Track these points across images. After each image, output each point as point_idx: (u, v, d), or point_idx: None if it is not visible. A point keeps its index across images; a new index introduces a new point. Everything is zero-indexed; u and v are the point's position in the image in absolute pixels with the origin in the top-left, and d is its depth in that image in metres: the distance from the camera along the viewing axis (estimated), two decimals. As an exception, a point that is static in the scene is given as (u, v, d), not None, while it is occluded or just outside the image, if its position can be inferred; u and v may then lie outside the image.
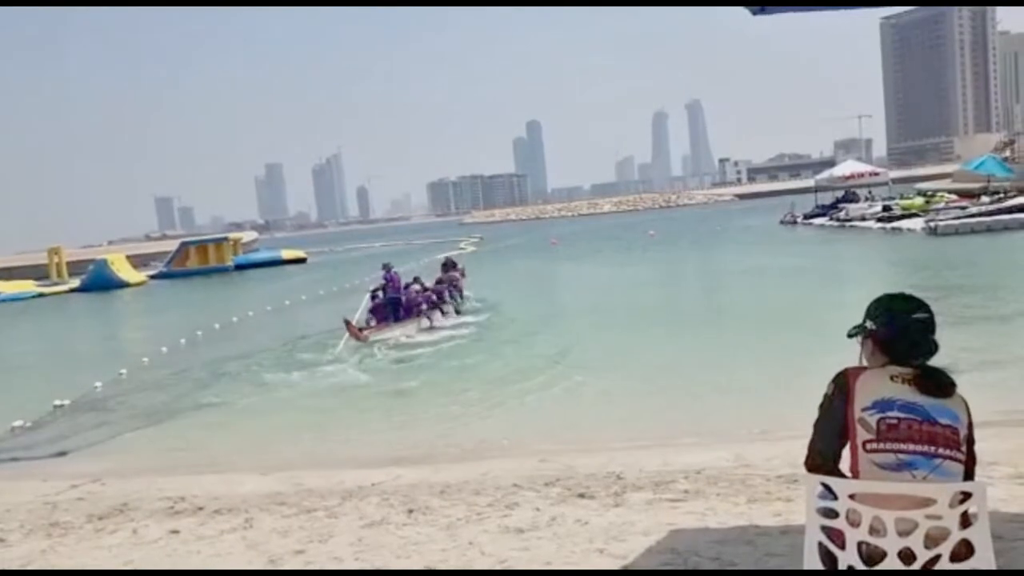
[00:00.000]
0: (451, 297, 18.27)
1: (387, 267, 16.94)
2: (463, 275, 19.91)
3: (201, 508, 5.70)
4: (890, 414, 2.25)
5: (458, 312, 17.92)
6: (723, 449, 6.46)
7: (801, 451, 6.21)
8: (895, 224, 31.43)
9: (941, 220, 28.12)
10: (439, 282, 18.67)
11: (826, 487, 2.32)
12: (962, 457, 2.26)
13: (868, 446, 2.26)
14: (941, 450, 2.23)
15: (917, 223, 29.80)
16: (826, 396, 2.44)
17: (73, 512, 5.89)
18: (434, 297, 17.34)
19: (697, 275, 24.27)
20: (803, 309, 14.96)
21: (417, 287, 17.26)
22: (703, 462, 5.90)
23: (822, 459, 2.42)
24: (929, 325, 2.40)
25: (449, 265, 20.25)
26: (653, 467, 5.88)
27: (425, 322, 16.41)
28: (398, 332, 15.61)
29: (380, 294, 16.61)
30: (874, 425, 2.26)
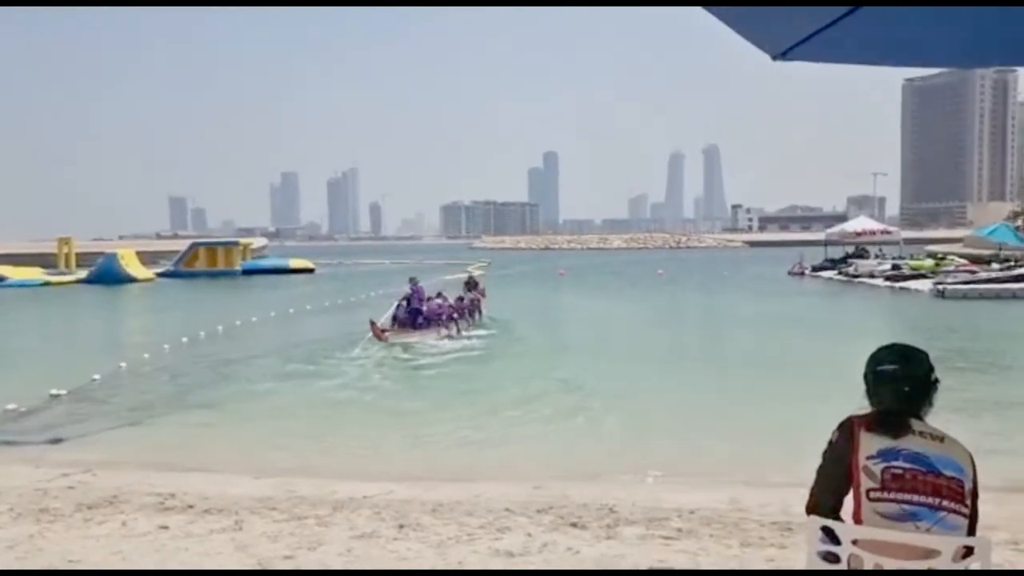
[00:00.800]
0: (469, 313, 19.68)
1: (414, 281, 18.59)
2: (483, 294, 21.42)
3: (191, 506, 5.69)
4: (895, 464, 2.24)
5: (474, 327, 19.18)
6: (718, 491, 6.43)
7: (797, 499, 6.19)
8: (903, 284, 31.38)
9: (950, 283, 28.07)
10: (460, 299, 19.93)
11: (827, 531, 2.31)
12: (966, 511, 2.25)
13: (872, 495, 2.25)
14: (945, 503, 2.22)
15: (925, 284, 29.75)
16: (830, 443, 2.43)
17: (63, 500, 5.88)
18: (454, 313, 18.67)
19: (701, 318, 24.25)
20: (805, 359, 14.92)
21: (439, 301, 18.64)
22: (697, 502, 5.86)
23: (823, 505, 2.40)
24: (900, 376, 2.39)
25: (471, 284, 21.93)
26: (647, 503, 5.85)
27: (443, 332, 17.80)
28: (416, 338, 17.01)
29: (405, 303, 17.93)
30: (879, 474, 2.25)
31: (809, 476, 7.29)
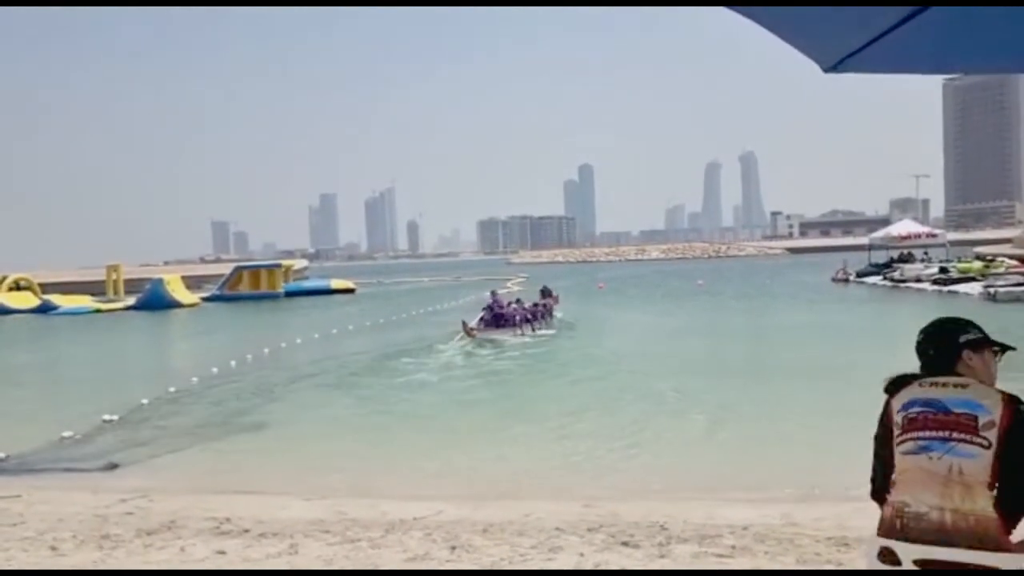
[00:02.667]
0: (542, 316, 23.07)
1: (494, 292, 24.54)
2: (556, 300, 25.81)
3: (247, 530, 5.77)
4: (911, 410, 2.51)
5: (547, 327, 22.62)
6: (769, 507, 6.35)
7: (851, 513, 6.13)
8: (951, 287, 30.69)
9: (1000, 286, 27.35)
10: (535, 304, 23.87)
11: (887, 552, 2.29)
12: (982, 441, 2.37)
13: (897, 440, 2.52)
14: (955, 434, 2.41)
15: (975, 288, 29.05)
16: (879, 419, 2.68)
17: (123, 526, 6.01)
18: (528, 315, 22.30)
19: (746, 328, 23.96)
20: (854, 368, 14.66)
21: (515, 306, 22.84)
22: (749, 518, 5.80)
23: (883, 488, 2.60)
24: (932, 337, 2.71)
25: (545, 292, 26.24)
26: (698, 520, 5.81)
27: (518, 331, 21.24)
28: (496, 336, 20.64)
29: (488, 309, 22.34)
30: (900, 422, 2.52)
31: (861, 490, 7.15)
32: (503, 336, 20.66)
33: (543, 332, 21.89)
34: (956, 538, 2.26)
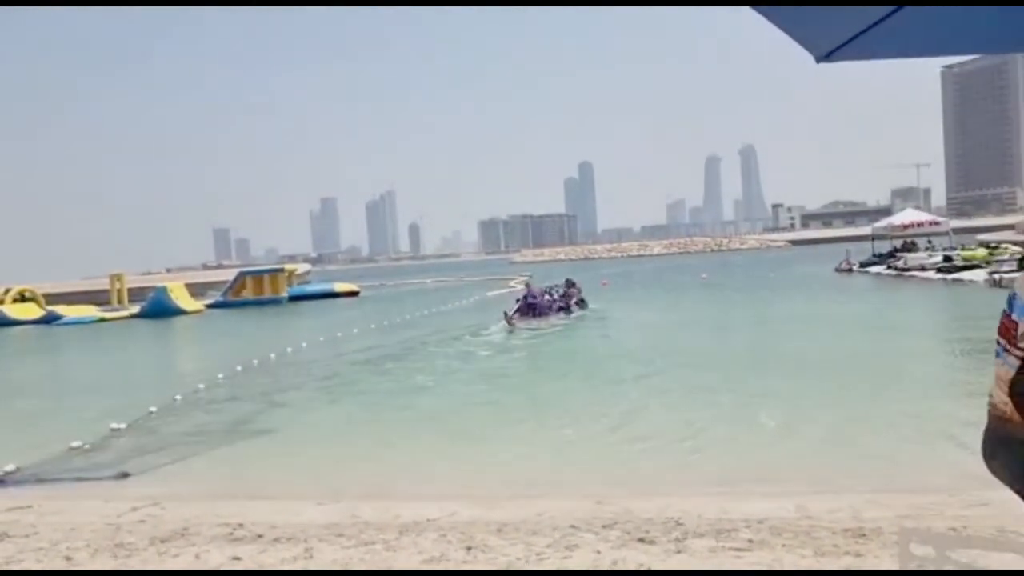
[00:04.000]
0: (570, 304, 26.20)
1: (528, 284, 27.70)
2: (580, 290, 28.28)
3: (260, 536, 5.76)
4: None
5: (576, 311, 25.92)
6: (783, 499, 6.32)
7: (864, 504, 6.08)
8: (956, 275, 30.63)
9: (1005, 272, 27.31)
10: (564, 295, 26.84)
11: (916, 539, 2.27)
12: (1016, 352, 2.39)
13: None
14: (1001, 340, 2.45)
15: (979, 274, 29.01)
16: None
17: (136, 534, 6.00)
18: (560, 304, 25.67)
19: (753, 320, 23.90)
20: (864, 358, 14.65)
21: (548, 297, 25.88)
22: (764, 511, 5.77)
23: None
24: None
25: (570, 283, 28.63)
26: (712, 514, 5.77)
27: (552, 319, 24.06)
28: (534, 324, 23.18)
29: (524, 299, 25.02)
30: None
31: (872, 480, 7.10)
32: (538, 323, 23.29)
33: (576, 315, 25.33)
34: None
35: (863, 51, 2.67)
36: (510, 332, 22.08)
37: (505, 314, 23.61)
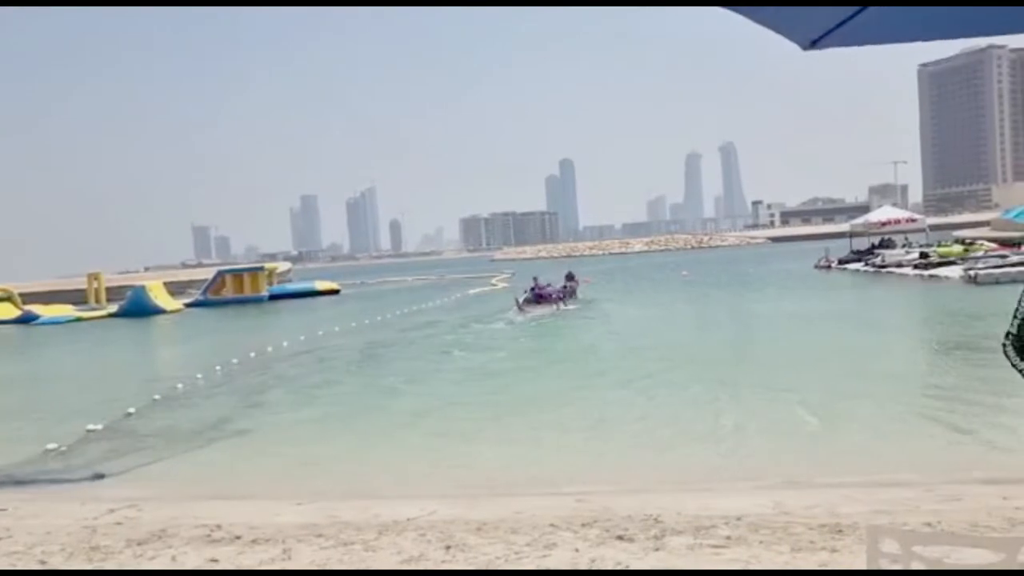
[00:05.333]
0: (570, 295, 29.45)
1: (536, 279, 29.78)
2: (578, 282, 31.72)
3: (239, 537, 5.72)
4: None
5: (573, 303, 28.90)
6: (761, 495, 6.37)
7: (841, 500, 6.14)
8: (932, 271, 30.97)
9: (980, 268, 27.64)
10: (564, 286, 29.89)
11: (889, 538, 2.29)
12: None
13: None
14: None
15: (955, 271, 29.34)
16: None
17: (112, 537, 5.94)
18: (561, 294, 28.72)
19: (734, 318, 24.04)
20: (844, 355, 14.78)
21: (551, 288, 28.89)
22: (742, 508, 5.81)
23: None
24: None
25: (570, 276, 31.89)
26: (691, 511, 5.81)
27: (555, 307, 27.17)
28: (539, 312, 26.28)
29: (531, 290, 28.32)
30: None
31: (849, 475, 7.16)
32: (542, 311, 26.44)
33: (571, 306, 28.07)
34: None
35: (850, 37, 2.69)
36: (520, 314, 25.79)
37: (516, 301, 27.50)
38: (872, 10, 2.49)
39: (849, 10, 2.51)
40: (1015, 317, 2.54)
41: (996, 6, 2.57)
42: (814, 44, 2.72)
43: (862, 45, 2.82)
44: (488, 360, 16.98)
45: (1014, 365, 2.50)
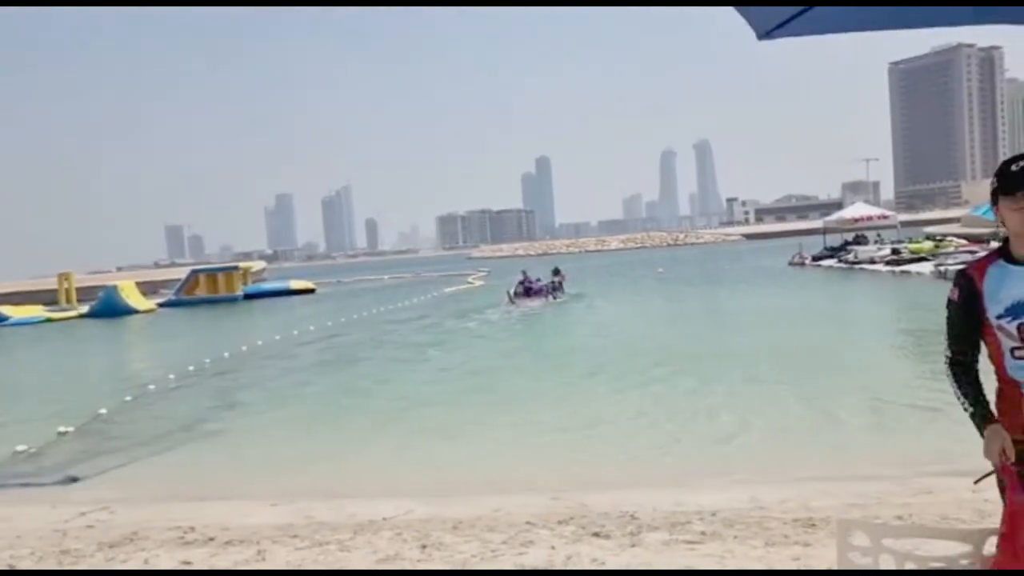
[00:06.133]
0: (556, 289, 31.05)
1: (524, 272, 31.79)
2: (564, 277, 32.89)
3: (212, 539, 5.67)
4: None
5: (559, 295, 30.67)
6: (736, 490, 6.42)
7: (815, 494, 6.20)
8: (904, 267, 31.39)
9: (951, 264, 28.04)
10: (552, 281, 31.45)
11: (859, 531, 2.31)
12: None
13: (1017, 353, 2.29)
14: None
15: (926, 267, 29.77)
16: (949, 301, 2.46)
17: (83, 540, 5.86)
18: (548, 289, 30.42)
19: (709, 314, 24.21)
20: (817, 350, 14.91)
21: (541, 282, 30.79)
22: (717, 503, 5.85)
23: (957, 361, 2.45)
24: None
25: (557, 272, 33.26)
26: (667, 507, 5.84)
27: (543, 300, 29.14)
28: (528, 304, 28.23)
29: (521, 284, 30.18)
30: (1015, 331, 2.28)
31: (822, 469, 7.22)
32: (531, 303, 28.48)
33: (560, 299, 29.89)
34: None
35: (804, 28, 2.72)
36: (511, 308, 27.71)
37: (508, 294, 29.75)
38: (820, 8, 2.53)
39: (798, 8, 2.54)
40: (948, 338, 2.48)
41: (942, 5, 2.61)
42: (769, 34, 2.74)
43: (817, 35, 2.85)
44: (465, 358, 16.96)
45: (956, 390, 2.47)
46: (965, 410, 2.41)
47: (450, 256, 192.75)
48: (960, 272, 2.43)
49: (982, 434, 2.34)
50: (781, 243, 71.52)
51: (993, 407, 2.35)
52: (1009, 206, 2.24)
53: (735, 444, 8.72)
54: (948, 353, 2.47)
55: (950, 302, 2.44)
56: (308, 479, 8.40)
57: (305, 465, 9.09)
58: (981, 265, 2.37)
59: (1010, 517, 2.20)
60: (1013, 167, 2.24)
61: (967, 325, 2.38)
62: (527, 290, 29.94)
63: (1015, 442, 2.27)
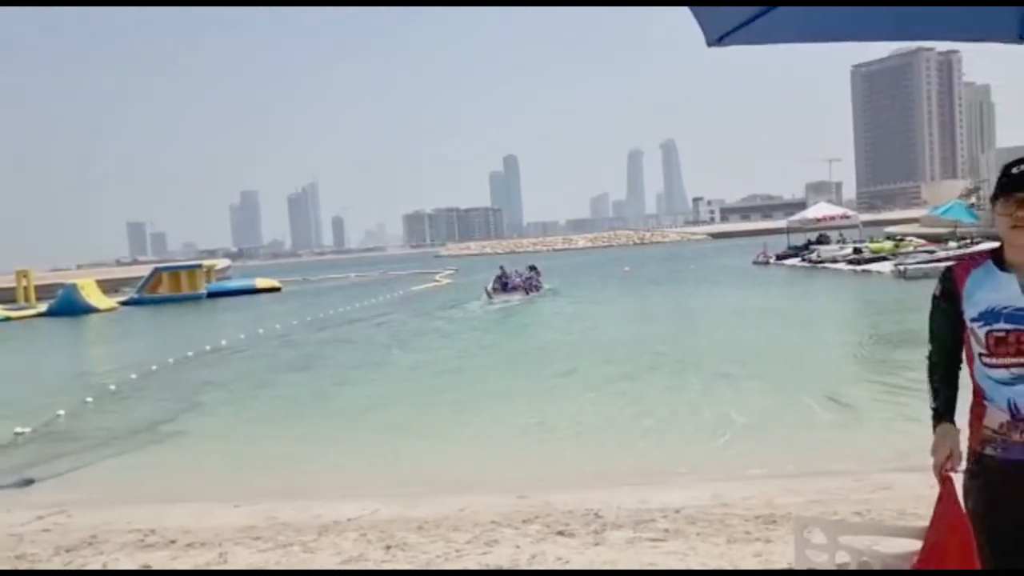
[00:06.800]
0: (533, 284, 32.49)
1: (502, 268, 32.92)
2: (539, 273, 34.44)
3: (173, 541, 5.59)
4: (996, 326, 2.21)
5: (537, 293, 31.89)
6: (700, 488, 6.47)
7: (777, 491, 6.27)
8: (865, 266, 31.94)
9: (910, 264, 28.63)
10: (528, 277, 32.96)
11: (816, 528, 2.34)
12: None
13: (984, 359, 2.25)
14: None
15: (886, 266, 30.33)
16: (933, 297, 2.39)
17: (40, 544, 5.75)
18: (526, 283, 31.91)
19: (673, 313, 24.40)
20: (779, 348, 15.10)
21: (518, 278, 32.03)
22: (681, 501, 5.90)
23: (939, 365, 2.39)
24: None
25: (532, 268, 34.73)
26: (631, 505, 5.87)
27: (521, 295, 30.31)
28: (505, 298, 29.59)
29: (499, 280, 31.23)
30: (983, 338, 2.23)
31: (784, 466, 7.29)
32: (511, 297, 29.63)
33: (534, 295, 31.09)
34: None
35: (754, 36, 2.75)
36: (490, 303, 28.78)
37: (486, 290, 30.60)
38: (774, 14, 2.56)
39: (754, 10, 2.57)
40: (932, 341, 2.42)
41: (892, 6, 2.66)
42: (719, 41, 2.77)
43: (767, 44, 2.89)
44: (431, 358, 16.91)
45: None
46: (930, 407, 2.41)
47: (417, 254, 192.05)
48: (947, 269, 2.37)
49: (934, 432, 2.35)
50: (746, 242, 72.35)
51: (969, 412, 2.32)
52: (1000, 210, 2.21)
53: (699, 442, 8.80)
54: (928, 348, 2.43)
55: (933, 298, 2.39)
56: (272, 480, 8.32)
57: (269, 466, 9.00)
58: (967, 265, 2.31)
59: (934, 524, 2.24)
60: (1014, 170, 2.20)
61: (946, 323, 2.33)
62: (504, 285, 30.93)
63: (976, 449, 2.27)
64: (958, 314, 2.28)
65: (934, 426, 2.36)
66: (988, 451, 2.24)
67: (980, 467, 2.25)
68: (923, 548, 2.22)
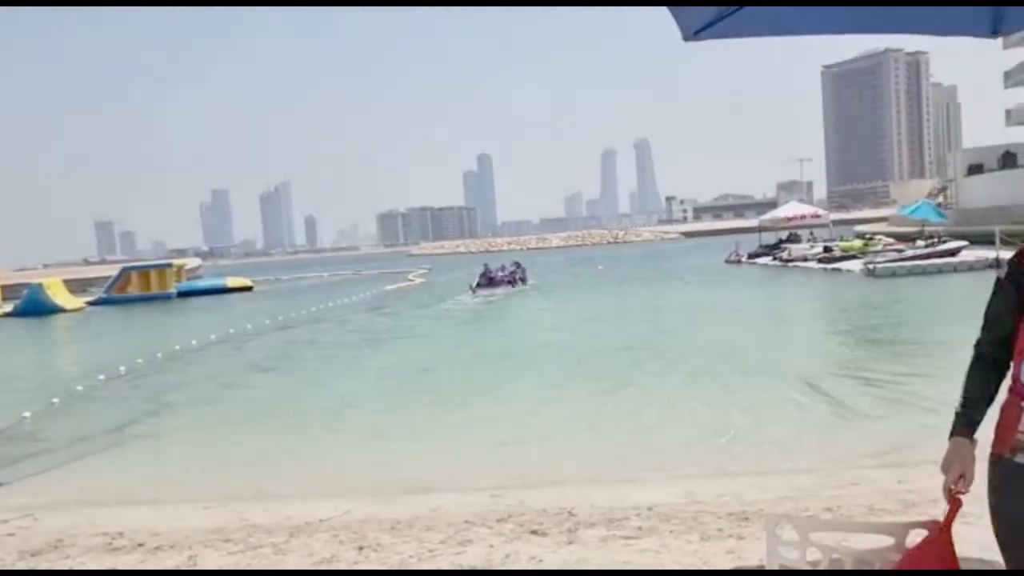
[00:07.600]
0: (518, 279, 34.20)
1: (486, 265, 34.39)
2: (524, 269, 36.04)
3: (141, 544, 5.50)
4: None
5: (519, 285, 33.74)
6: (673, 486, 6.49)
7: (749, 488, 6.31)
8: (835, 265, 32.36)
9: (879, 262, 29.05)
10: (512, 272, 34.45)
11: (788, 525, 2.35)
12: None
13: None
14: None
15: (856, 265, 30.75)
16: (997, 280, 2.15)
17: (3, 549, 5.63)
18: (509, 279, 33.45)
19: (647, 311, 24.50)
20: (750, 345, 15.23)
21: (502, 273, 33.78)
22: (654, 499, 5.91)
23: (986, 355, 2.15)
24: None
25: (516, 264, 36.24)
26: (605, 503, 5.88)
27: (505, 290, 31.87)
28: (488, 292, 31.29)
29: (483, 275, 32.98)
30: None
31: (755, 464, 7.34)
32: (495, 292, 31.17)
33: (518, 289, 32.55)
34: None
35: (729, 30, 2.76)
36: (474, 297, 30.15)
37: (471, 286, 32.31)
38: (749, 11, 2.57)
39: (728, 9, 2.58)
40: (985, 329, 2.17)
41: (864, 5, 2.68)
42: (696, 35, 2.78)
43: (742, 37, 2.91)
44: (405, 357, 16.85)
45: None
46: (955, 409, 2.16)
47: (390, 253, 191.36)
48: (1018, 252, 2.12)
49: (950, 439, 2.14)
50: (718, 241, 72.90)
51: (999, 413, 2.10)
52: None
53: (672, 439, 8.84)
54: (978, 335, 2.17)
55: (996, 280, 2.14)
56: (243, 481, 8.22)
57: (240, 467, 8.91)
58: None
59: (922, 548, 2.11)
60: None
61: (1004, 309, 2.09)
62: (490, 280, 32.63)
63: (1004, 455, 2.04)
64: (1021, 300, 2.06)
65: (951, 433, 2.13)
66: (1021, 459, 2.00)
67: (1009, 476, 2.01)
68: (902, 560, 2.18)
